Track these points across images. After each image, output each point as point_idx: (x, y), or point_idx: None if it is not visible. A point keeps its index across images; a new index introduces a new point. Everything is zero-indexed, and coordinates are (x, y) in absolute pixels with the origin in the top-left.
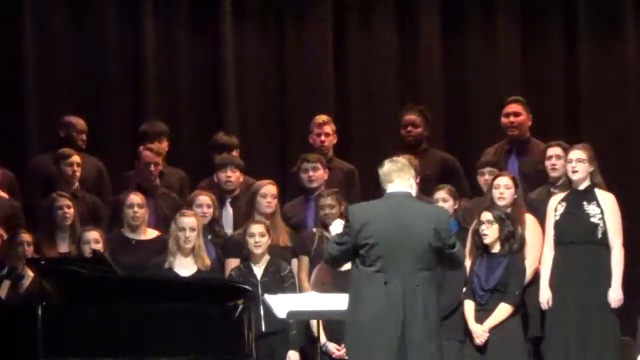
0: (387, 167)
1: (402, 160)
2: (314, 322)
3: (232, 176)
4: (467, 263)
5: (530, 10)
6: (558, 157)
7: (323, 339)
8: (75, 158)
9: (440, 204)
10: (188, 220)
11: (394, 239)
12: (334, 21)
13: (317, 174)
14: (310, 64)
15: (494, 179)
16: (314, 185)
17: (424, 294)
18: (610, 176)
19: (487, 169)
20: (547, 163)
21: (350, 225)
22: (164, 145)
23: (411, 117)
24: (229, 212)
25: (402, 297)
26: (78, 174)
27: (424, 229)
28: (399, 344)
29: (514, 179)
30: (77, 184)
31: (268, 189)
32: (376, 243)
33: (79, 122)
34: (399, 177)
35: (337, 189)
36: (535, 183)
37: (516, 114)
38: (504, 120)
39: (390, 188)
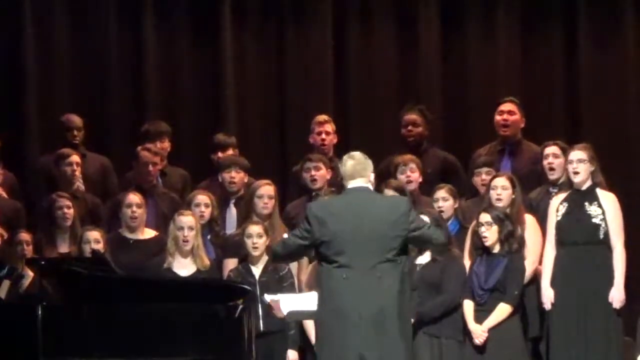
0: (350, 165)
1: (362, 157)
2: (306, 324)
3: (236, 177)
4: (467, 263)
5: (530, 10)
6: (555, 155)
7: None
8: (75, 158)
9: (441, 203)
10: (186, 219)
11: (352, 233)
12: (333, 22)
13: (319, 174)
14: (310, 64)
15: (491, 180)
16: (317, 185)
17: (388, 284)
18: (611, 176)
19: (484, 169)
20: (544, 162)
21: (309, 223)
22: (165, 145)
23: (412, 116)
24: (232, 212)
25: (365, 292)
26: (78, 173)
27: (382, 221)
28: (362, 338)
29: (511, 180)
30: (77, 184)
31: (265, 190)
32: (334, 238)
33: (73, 120)
34: (360, 175)
35: (334, 189)
36: (528, 184)
37: (510, 113)
38: (497, 118)
39: (351, 184)
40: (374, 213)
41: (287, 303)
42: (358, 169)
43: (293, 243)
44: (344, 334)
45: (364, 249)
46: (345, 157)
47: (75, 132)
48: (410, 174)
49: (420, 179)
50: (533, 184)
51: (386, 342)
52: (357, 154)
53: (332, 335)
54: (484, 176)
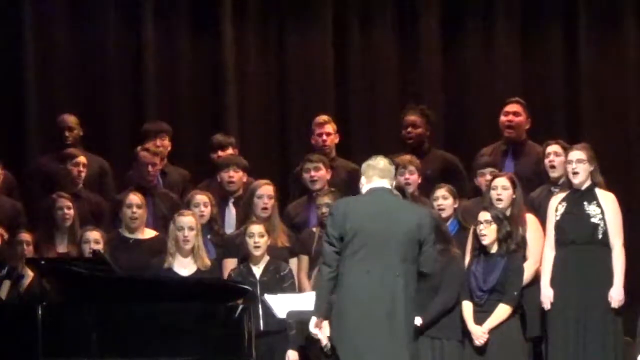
0: (383, 164)
1: (387, 160)
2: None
3: (235, 176)
4: (466, 263)
5: (530, 11)
6: (556, 154)
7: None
8: (82, 159)
9: (440, 202)
10: (186, 219)
11: (377, 229)
12: (334, 23)
13: (319, 174)
14: (310, 64)
15: (491, 180)
16: (317, 186)
17: (404, 285)
18: (611, 176)
19: (488, 170)
20: (546, 161)
21: (334, 218)
22: (165, 143)
23: (412, 117)
24: (231, 212)
25: (382, 287)
26: (83, 174)
27: (407, 222)
28: (380, 333)
29: (511, 180)
30: (81, 185)
31: (265, 190)
32: (358, 233)
33: (68, 119)
34: (389, 176)
35: (334, 189)
36: (531, 184)
37: (516, 114)
38: (502, 118)
39: (376, 183)
40: (398, 215)
41: (288, 303)
42: (389, 170)
43: (329, 249)
44: (363, 327)
45: (387, 246)
46: (376, 157)
47: (67, 133)
48: (409, 176)
49: (420, 180)
50: (537, 185)
51: (393, 342)
52: (384, 158)
53: (352, 327)
54: (487, 176)
